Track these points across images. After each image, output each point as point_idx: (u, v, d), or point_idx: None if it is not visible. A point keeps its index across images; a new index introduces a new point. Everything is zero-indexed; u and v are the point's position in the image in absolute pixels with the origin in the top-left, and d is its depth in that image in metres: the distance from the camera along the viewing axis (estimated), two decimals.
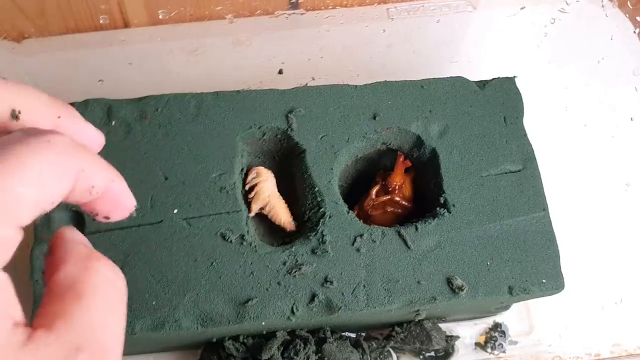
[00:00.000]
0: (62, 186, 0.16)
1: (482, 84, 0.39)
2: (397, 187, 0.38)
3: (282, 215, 0.36)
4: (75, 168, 0.17)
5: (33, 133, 0.16)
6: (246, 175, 0.37)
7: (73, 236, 0.18)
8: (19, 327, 0.15)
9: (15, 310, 0.15)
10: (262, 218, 0.37)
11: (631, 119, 0.46)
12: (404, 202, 0.38)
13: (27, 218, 0.15)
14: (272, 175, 0.37)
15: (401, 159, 0.38)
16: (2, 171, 0.14)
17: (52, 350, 0.15)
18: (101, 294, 0.17)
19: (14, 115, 0.17)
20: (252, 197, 0.36)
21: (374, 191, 0.38)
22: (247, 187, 0.36)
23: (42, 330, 0.15)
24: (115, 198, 0.19)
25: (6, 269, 0.15)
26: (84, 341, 0.15)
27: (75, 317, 0.16)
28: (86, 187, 0.17)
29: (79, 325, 0.16)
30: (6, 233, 0.15)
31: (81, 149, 0.17)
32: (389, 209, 0.38)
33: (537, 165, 0.37)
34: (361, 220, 0.36)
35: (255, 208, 0.36)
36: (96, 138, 0.20)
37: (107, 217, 0.19)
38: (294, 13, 0.50)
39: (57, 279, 0.16)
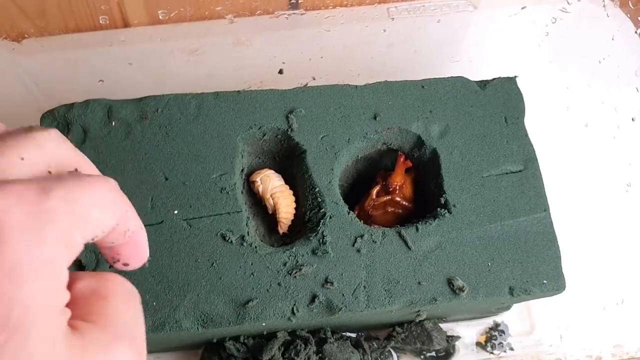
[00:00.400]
0: (113, 218, 0.18)
1: (483, 84, 0.39)
2: (397, 188, 0.38)
3: (283, 209, 0.36)
4: (123, 207, 0.19)
5: (91, 175, 0.19)
6: (249, 176, 0.37)
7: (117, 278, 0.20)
8: (66, 326, 0.16)
9: (65, 308, 0.17)
10: (263, 218, 0.37)
11: (633, 119, 0.46)
12: (404, 203, 0.38)
13: (89, 235, 0.17)
14: (277, 174, 0.37)
15: (402, 159, 0.38)
16: (77, 190, 0.17)
17: (96, 337, 0.17)
18: (121, 296, 0.18)
19: None
20: (259, 186, 0.36)
21: (374, 191, 0.38)
22: (252, 179, 0.36)
23: (82, 322, 0.17)
24: (138, 245, 0.20)
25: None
26: (121, 332, 0.17)
27: (108, 313, 0.18)
28: (124, 229, 0.19)
29: (113, 319, 0.17)
30: (75, 240, 0.16)
31: (124, 195, 0.19)
32: (390, 209, 0.38)
33: (538, 166, 0.37)
34: (362, 221, 0.36)
35: (265, 193, 0.36)
36: (146, 255, 0.21)
37: (125, 264, 0.21)
38: (294, 13, 0.49)
39: (76, 289, 0.18)
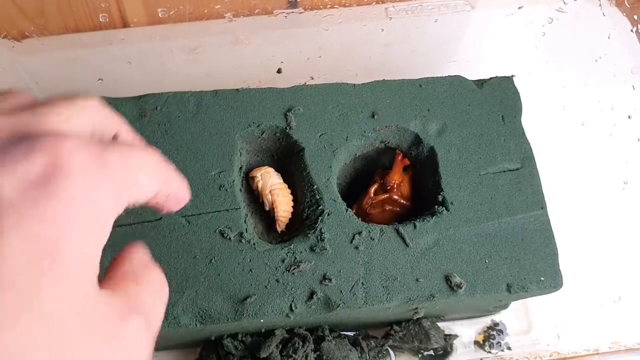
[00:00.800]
0: (156, 185, 0.20)
1: (480, 83, 0.40)
2: (395, 186, 0.38)
3: (281, 207, 0.36)
4: (166, 176, 0.20)
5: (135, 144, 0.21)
6: (247, 173, 0.37)
7: (138, 251, 0.21)
8: (96, 281, 0.17)
9: (99, 264, 0.18)
10: (261, 216, 0.37)
11: (629, 117, 0.46)
12: (402, 201, 0.38)
13: (134, 197, 0.19)
14: (277, 172, 0.37)
15: (399, 158, 0.38)
16: (130, 153, 0.18)
17: (114, 302, 0.18)
18: (154, 285, 0.20)
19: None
20: (259, 181, 0.36)
21: (372, 189, 0.38)
22: (252, 175, 0.37)
23: (108, 289, 0.18)
24: (179, 200, 0.22)
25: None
26: (139, 310, 0.18)
27: (132, 293, 0.19)
28: (165, 194, 0.21)
29: (136, 299, 0.19)
30: (123, 199, 0.18)
31: (165, 161, 0.21)
32: (388, 208, 0.38)
33: (535, 164, 0.37)
34: (360, 219, 0.36)
35: (263, 190, 0.36)
36: (187, 198, 0.23)
37: (169, 212, 0.23)
38: (292, 12, 0.50)
39: (118, 269, 0.20)
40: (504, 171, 0.37)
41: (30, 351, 0.15)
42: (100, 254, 0.17)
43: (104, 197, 0.17)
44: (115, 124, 0.21)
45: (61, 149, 0.16)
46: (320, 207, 0.35)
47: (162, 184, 0.20)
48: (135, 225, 0.33)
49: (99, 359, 0.16)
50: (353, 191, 0.40)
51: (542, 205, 0.36)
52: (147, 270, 0.20)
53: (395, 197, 0.38)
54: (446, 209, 0.35)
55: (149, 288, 0.20)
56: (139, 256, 0.21)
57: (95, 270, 0.17)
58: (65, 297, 0.16)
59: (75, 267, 0.16)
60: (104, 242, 0.17)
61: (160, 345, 0.39)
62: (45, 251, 0.15)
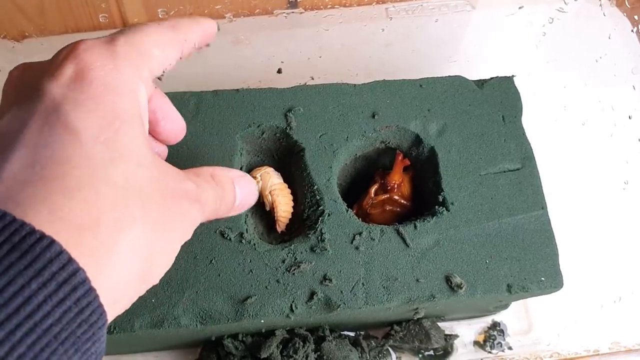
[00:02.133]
0: (174, 51, 0.24)
1: (481, 83, 0.40)
2: (396, 186, 0.38)
3: (281, 208, 0.36)
4: (180, 39, 0.24)
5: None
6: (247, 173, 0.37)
7: (237, 175, 0.27)
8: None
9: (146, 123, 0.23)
10: (262, 216, 0.37)
11: (629, 118, 0.46)
12: (402, 201, 0.38)
13: (156, 69, 0.23)
14: (277, 172, 0.37)
15: (400, 158, 0.38)
16: (136, 35, 0.22)
17: (173, 168, 0.23)
18: (223, 188, 0.25)
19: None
20: (259, 182, 0.36)
21: (372, 190, 0.38)
22: (252, 175, 0.36)
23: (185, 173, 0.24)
24: (208, 35, 0.26)
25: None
26: (193, 185, 0.23)
27: (196, 177, 0.24)
28: (191, 48, 0.25)
29: (195, 183, 0.23)
30: (145, 73, 0.22)
31: (181, 23, 0.24)
32: (388, 208, 0.38)
33: (535, 164, 0.37)
34: (360, 219, 0.36)
35: (264, 190, 0.36)
36: (214, 28, 0.27)
37: (207, 45, 0.27)
38: (292, 12, 0.50)
39: (204, 171, 0.25)
40: (505, 171, 0.37)
41: (125, 197, 0.19)
42: (147, 122, 0.22)
43: (127, 77, 0.21)
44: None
45: (78, 52, 0.20)
46: (321, 207, 0.35)
47: (180, 42, 0.24)
48: None
49: (166, 201, 0.21)
50: (353, 191, 0.40)
51: (543, 206, 0.36)
52: (224, 172, 0.25)
53: (396, 197, 0.38)
54: (446, 209, 0.35)
55: (211, 188, 0.24)
56: (230, 174, 0.26)
57: (148, 135, 0.23)
58: (138, 145, 0.20)
59: (132, 128, 0.20)
60: (145, 111, 0.22)
61: (161, 346, 0.39)
62: (105, 119, 0.19)
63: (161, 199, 0.20)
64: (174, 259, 0.22)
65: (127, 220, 0.19)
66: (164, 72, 0.24)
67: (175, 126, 0.27)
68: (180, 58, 0.25)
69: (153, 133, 0.27)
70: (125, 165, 0.19)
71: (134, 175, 0.19)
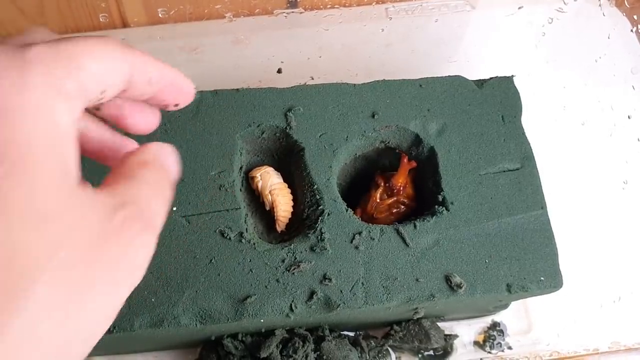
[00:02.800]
0: (119, 71, 0.18)
1: (480, 83, 0.40)
2: (401, 188, 0.38)
3: (280, 207, 0.36)
4: (129, 59, 0.19)
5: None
6: (247, 173, 0.37)
7: (153, 147, 0.20)
8: (75, 176, 0.17)
9: (73, 161, 0.17)
10: (261, 216, 0.37)
11: (629, 117, 0.46)
12: (408, 202, 0.38)
13: (89, 85, 0.17)
14: (277, 172, 0.37)
15: (406, 160, 0.38)
16: (62, 43, 0.17)
17: (103, 196, 0.17)
18: (148, 183, 0.19)
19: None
20: (259, 181, 0.36)
21: (377, 194, 0.38)
22: (252, 174, 0.36)
23: (95, 187, 0.18)
24: (176, 84, 0.21)
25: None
26: (127, 203, 0.17)
27: (125, 187, 0.18)
28: (145, 79, 0.19)
29: (126, 192, 0.18)
30: (68, 86, 0.17)
31: (132, 47, 0.19)
32: (394, 210, 0.38)
33: (535, 164, 0.37)
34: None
35: (263, 190, 0.36)
36: (190, 87, 0.22)
37: (177, 105, 0.22)
38: (292, 12, 0.50)
39: (116, 169, 0.19)
40: (504, 171, 0.37)
41: (24, 242, 0.14)
42: (67, 143, 0.16)
43: (40, 93, 0.16)
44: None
45: None
46: (321, 207, 0.35)
47: (127, 68, 0.18)
48: None
49: (90, 254, 0.16)
50: (353, 191, 0.40)
51: (542, 205, 0.36)
52: (144, 167, 0.19)
53: (404, 200, 0.38)
54: (446, 209, 0.35)
55: (144, 183, 0.19)
56: (140, 156, 0.20)
57: (68, 168, 0.16)
58: (35, 195, 0.15)
59: (36, 168, 0.15)
60: (69, 134, 0.17)
61: (161, 345, 0.39)
62: None
63: (82, 255, 0.16)
64: (110, 323, 0.17)
65: (18, 303, 0.14)
66: (105, 97, 0.18)
67: (143, 120, 0.22)
68: (125, 91, 0.19)
69: (120, 127, 0.22)
70: (18, 226, 0.14)
71: (29, 238, 0.15)
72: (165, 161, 0.20)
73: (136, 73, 0.19)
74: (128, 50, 0.19)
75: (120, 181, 0.18)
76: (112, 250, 0.16)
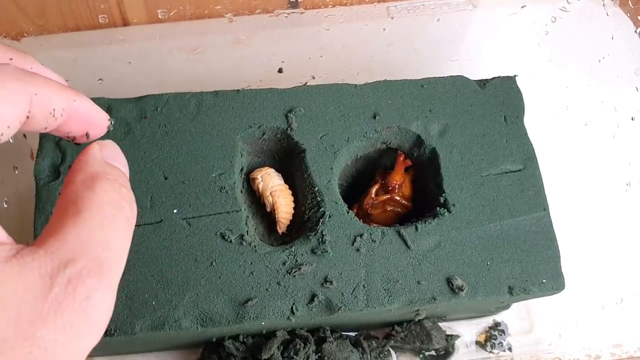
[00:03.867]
0: (15, 108, 0.16)
1: (483, 83, 0.39)
2: (397, 186, 0.38)
3: (281, 209, 0.36)
4: (26, 92, 0.17)
5: None
6: (248, 175, 0.37)
7: (94, 153, 0.18)
8: (5, 245, 0.15)
9: None
10: (262, 217, 0.37)
11: (632, 119, 0.46)
12: (403, 202, 0.38)
13: None
14: (278, 173, 0.37)
15: (401, 158, 0.38)
16: None
17: (38, 264, 0.15)
18: (101, 212, 0.16)
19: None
20: (260, 183, 0.36)
21: (373, 190, 0.38)
22: (253, 176, 0.36)
23: (32, 247, 0.15)
24: (84, 116, 0.19)
25: None
26: (76, 255, 0.15)
27: (71, 232, 0.15)
28: (46, 111, 0.17)
29: (72, 239, 0.15)
30: None
31: (32, 75, 0.17)
32: (389, 208, 0.38)
33: (537, 165, 0.37)
34: (360, 219, 0.36)
35: (265, 192, 0.36)
36: (103, 119, 0.20)
37: (86, 136, 0.20)
38: (293, 12, 0.49)
39: (62, 198, 0.16)
40: (506, 172, 0.37)
41: None
42: None
43: None
44: None
45: None
46: (322, 209, 0.35)
47: (24, 104, 0.16)
48: (135, 228, 0.33)
49: (41, 337, 0.14)
50: (354, 192, 0.40)
51: (544, 207, 0.36)
52: (90, 189, 0.16)
53: (397, 197, 0.38)
54: (448, 211, 0.35)
55: (95, 218, 0.16)
56: (84, 170, 0.17)
57: None
58: None
59: None
60: None
61: (162, 347, 0.39)
62: None
63: (12, 345, 0.13)
64: None
65: None
66: (2, 139, 0.16)
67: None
68: (28, 117, 0.17)
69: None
70: None
71: None
72: (115, 163, 0.18)
73: (36, 106, 0.17)
74: (27, 83, 0.17)
75: (65, 224, 0.16)
76: (56, 326, 0.14)
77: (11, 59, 0.18)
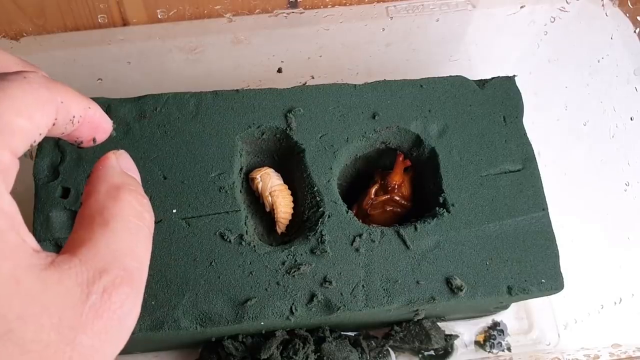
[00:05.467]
0: (46, 116, 0.17)
1: (482, 83, 0.39)
2: (396, 187, 0.38)
3: (281, 209, 0.36)
4: (55, 100, 0.17)
5: (8, 73, 0.17)
6: (247, 174, 0.37)
7: (113, 163, 0.19)
8: (40, 252, 0.15)
9: (28, 237, 0.15)
10: (262, 217, 0.37)
11: (631, 119, 0.46)
12: (403, 202, 0.38)
13: (21, 146, 0.16)
14: (277, 173, 0.37)
15: (401, 158, 0.38)
16: None
17: (75, 272, 0.15)
18: (127, 223, 0.17)
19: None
20: (259, 183, 0.36)
21: (372, 190, 0.38)
22: (252, 176, 0.36)
23: (66, 255, 0.16)
24: (94, 123, 0.20)
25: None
26: (108, 265, 0.16)
27: (101, 242, 0.16)
28: (68, 118, 0.18)
29: (104, 249, 0.16)
30: (3, 157, 0.15)
31: (56, 83, 0.18)
32: (388, 208, 0.38)
33: (536, 165, 0.37)
34: (360, 220, 0.36)
35: (264, 191, 0.36)
36: (109, 124, 0.21)
37: (93, 141, 0.21)
38: (293, 12, 0.49)
39: (86, 207, 0.17)
40: (505, 172, 0.37)
41: None
42: (12, 223, 0.15)
43: None
44: None
45: None
46: (321, 208, 0.35)
47: (53, 112, 0.17)
48: None
49: (80, 343, 0.14)
50: (354, 192, 0.40)
51: (544, 207, 0.36)
52: (116, 199, 0.17)
53: (397, 197, 0.38)
54: (447, 211, 0.35)
55: (124, 228, 0.17)
56: (107, 181, 0.18)
57: (18, 249, 0.14)
58: None
59: None
60: (11, 211, 0.15)
61: (161, 346, 0.39)
62: None
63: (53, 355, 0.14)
64: None
65: None
66: (33, 145, 0.17)
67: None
68: (56, 130, 0.18)
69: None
70: None
71: None
72: (131, 173, 0.19)
73: (61, 114, 0.18)
74: (54, 92, 0.17)
75: (95, 234, 0.16)
76: (93, 332, 0.15)
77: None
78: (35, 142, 0.17)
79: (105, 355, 0.15)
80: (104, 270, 0.16)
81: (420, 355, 0.40)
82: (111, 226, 0.17)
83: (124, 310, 0.16)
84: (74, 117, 0.19)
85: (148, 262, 0.17)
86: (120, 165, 0.19)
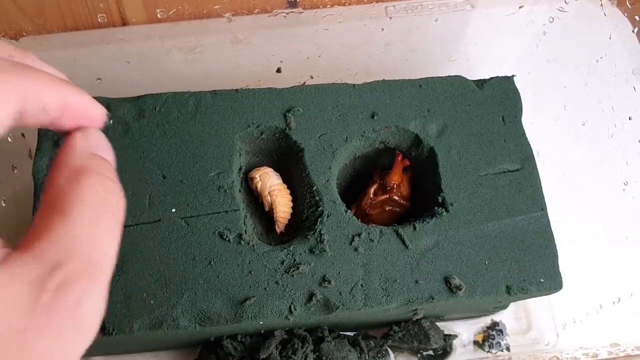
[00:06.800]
0: (6, 104, 0.15)
1: (481, 83, 0.39)
2: (395, 186, 0.38)
3: (280, 208, 0.36)
4: (18, 89, 0.16)
5: None
6: (246, 174, 0.37)
7: (76, 143, 0.17)
8: None
9: None
10: (261, 217, 0.37)
11: (630, 119, 0.46)
12: (402, 201, 0.38)
13: None
14: (276, 173, 0.37)
15: (399, 158, 0.38)
16: None
17: (27, 270, 0.14)
18: (89, 210, 0.15)
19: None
20: (258, 182, 0.36)
21: (372, 190, 0.38)
22: (251, 175, 0.36)
23: (20, 250, 0.14)
24: (79, 112, 0.18)
25: None
26: (65, 258, 0.14)
27: (57, 233, 0.15)
28: (38, 107, 0.16)
29: (60, 241, 0.15)
30: None
31: (24, 69, 0.16)
32: (387, 208, 0.38)
33: (535, 165, 0.37)
34: (359, 219, 0.36)
35: (263, 190, 0.36)
36: (99, 115, 0.19)
37: (69, 129, 0.18)
38: (292, 12, 0.50)
39: (47, 196, 0.16)
40: (504, 172, 0.37)
41: None
42: None
43: None
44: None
45: None
46: (320, 208, 0.35)
47: (15, 102, 0.15)
48: (133, 227, 0.33)
49: (33, 347, 0.13)
50: (352, 192, 0.40)
51: (542, 207, 0.36)
52: (76, 184, 0.15)
53: (395, 197, 0.38)
54: (446, 211, 0.35)
55: (84, 216, 0.15)
56: (68, 163, 0.16)
57: None
58: None
59: None
60: None
61: (160, 346, 0.39)
62: None
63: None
64: None
65: None
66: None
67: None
68: (27, 120, 0.16)
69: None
70: None
71: None
72: (100, 152, 0.17)
73: (30, 103, 0.16)
74: (21, 78, 0.15)
75: (51, 226, 0.15)
76: (47, 334, 0.14)
77: (10, 56, 0.18)
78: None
79: (64, 356, 0.14)
80: (59, 265, 0.14)
81: (419, 355, 0.40)
82: (70, 215, 0.15)
83: (83, 306, 0.14)
84: (46, 105, 0.17)
85: (114, 251, 0.16)
86: (88, 145, 0.17)
